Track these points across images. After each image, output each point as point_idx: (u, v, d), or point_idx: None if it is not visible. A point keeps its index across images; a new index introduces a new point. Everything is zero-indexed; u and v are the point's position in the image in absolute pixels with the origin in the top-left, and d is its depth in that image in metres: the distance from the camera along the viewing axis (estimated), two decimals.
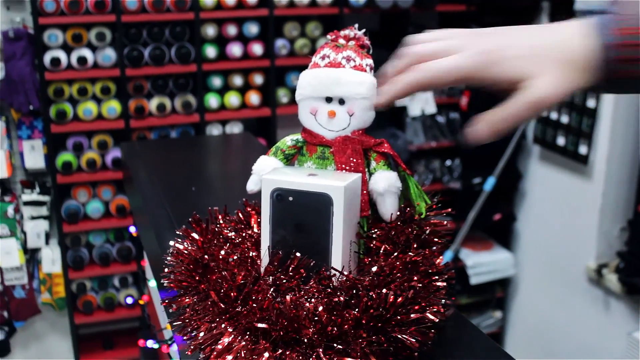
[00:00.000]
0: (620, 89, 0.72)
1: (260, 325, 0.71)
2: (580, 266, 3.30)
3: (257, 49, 3.46)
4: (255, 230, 0.89)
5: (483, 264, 3.82)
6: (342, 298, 0.72)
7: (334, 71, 0.85)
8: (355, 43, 0.88)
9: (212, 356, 0.71)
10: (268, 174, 0.81)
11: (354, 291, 0.73)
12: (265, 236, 0.80)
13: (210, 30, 3.41)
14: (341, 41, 0.88)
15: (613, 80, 0.69)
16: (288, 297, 0.73)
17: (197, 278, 0.80)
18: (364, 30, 0.90)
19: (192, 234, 0.88)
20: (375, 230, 0.84)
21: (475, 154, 3.62)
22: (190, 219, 0.90)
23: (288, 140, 0.89)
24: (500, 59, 0.71)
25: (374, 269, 0.77)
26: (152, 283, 1.51)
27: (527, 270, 3.83)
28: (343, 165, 0.84)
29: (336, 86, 0.84)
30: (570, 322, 3.43)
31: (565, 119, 3.28)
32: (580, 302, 3.35)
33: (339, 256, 0.77)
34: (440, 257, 0.87)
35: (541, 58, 0.69)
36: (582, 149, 3.19)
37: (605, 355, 3.15)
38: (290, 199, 0.78)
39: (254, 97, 3.53)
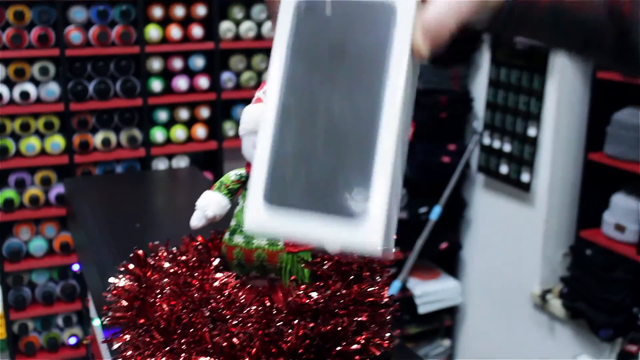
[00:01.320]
0: (513, 28, 0.60)
1: (197, 357, 0.71)
2: (525, 292, 3.35)
3: (203, 82, 3.47)
4: (192, 258, 0.89)
5: (430, 292, 3.84)
6: (280, 326, 0.73)
7: None
8: None
9: None
10: None
11: (295, 319, 0.74)
12: (273, 84, 0.48)
13: (155, 64, 3.41)
14: None
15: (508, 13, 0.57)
16: (224, 326, 0.73)
17: (134, 313, 0.79)
18: None
19: (131, 270, 0.87)
20: (325, 259, 0.85)
21: (421, 184, 3.67)
22: (131, 255, 0.90)
23: (232, 175, 0.90)
24: None
25: (315, 294, 0.78)
26: (96, 322, 1.49)
27: (474, 298, 3.87)
28: None
29: None
30: (517, 348, 3.47)
31: (507, 148, 3.35)
32: (526, 327, 3.40)
33: (393, 129, 0.46)
34: (386, 288, 0.88)
35: None
36: (525, 177, 3.26)
37: None
38: (328, 12, 0.49)
39: (200, 131, 3.53)
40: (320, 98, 0.47)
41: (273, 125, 0.47)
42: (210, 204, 0.88)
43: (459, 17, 0.50)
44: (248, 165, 0.88)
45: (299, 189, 0.45)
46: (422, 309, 3.84)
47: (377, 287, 0.84)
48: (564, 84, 3.01)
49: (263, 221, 0.45)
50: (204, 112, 3.54)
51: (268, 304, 0.79)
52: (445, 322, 4.01)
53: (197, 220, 0.88)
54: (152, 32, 3.32)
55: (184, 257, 0.89)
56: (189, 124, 3.56)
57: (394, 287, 3.23)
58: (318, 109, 0.46)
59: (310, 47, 0.48)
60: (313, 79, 0.47)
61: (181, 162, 3.58)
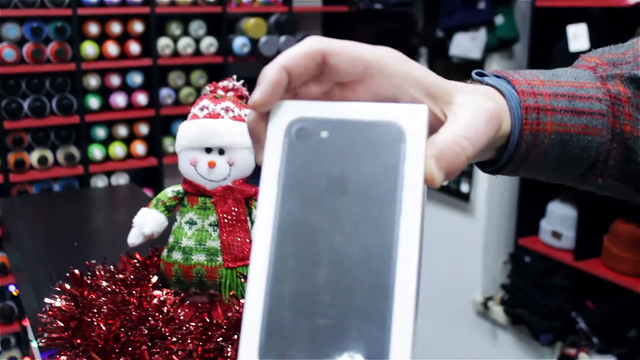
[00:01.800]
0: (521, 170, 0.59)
1: None
2: (468, 300, 3.40)
3: (141, 98, 3.43)
4: (130, 276, 0.88)
5: None
6: (220, 341, 0.73)
7: (213, 122, 0.86)
8: (233, 94, 0.90)
9: None
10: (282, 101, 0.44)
11: (235, 334, 0.74)
12: (263, 224, 0.41)
13: (92, 81, 3.36)
14: (220, 92, 0.90)
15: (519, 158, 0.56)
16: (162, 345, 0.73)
17: (71, 334, 0.78)
18: (242, 81, 0.92)
19: (68, 289, 0.86)
20: None
21: None
22: (67, 274, 0.88)
23: (169, 192, 0.90)
24: None
25: None
26: (34, 344, 1.46)
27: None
28: (225, 215, 0.85)
29: (215, 137, 0.85)
30: (461, 354, 3.51)
31: None
32: (470, 335, 3.45)
33: (413, 262, 0.40)
34: None
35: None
36: (464, 187, 3.32)
37: None
38: (324, 134, 0.42)
39: (139, 147, 3.49)
40: (320, 236, 0.40)
41: (266, 266, 0.39)
42: (147, 221, 0.87)
43: (476, 145, 0.46)
44: (185, 182, 0.88)
45: (301, 341, 0.38)
46: None
47: None
48: None
49: None
50: (143, 129, 3.51)
51: (208, 320, 0.78)
52: None
53: (134, 238, 0.87)
54: (88, 48, 3.28)
55: (121, 275, 0.88)
56: (128, 140, 3.51)
57: None
58: (319, 249, 0.40)
59: (305, 179, 0.41)
60: (311, 215, 0.40)
61: (120, 179, 3.53)
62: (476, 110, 0.47)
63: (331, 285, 0.39)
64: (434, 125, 0.46)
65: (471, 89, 0.50)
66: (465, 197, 3.32)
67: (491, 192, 3.22)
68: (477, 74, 0.57)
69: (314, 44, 0.45)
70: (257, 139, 0.46)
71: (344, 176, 0.41)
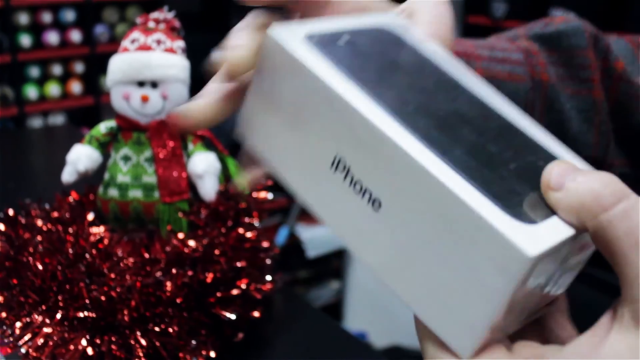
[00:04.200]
0: None
1: (75, 313, 0.71)
2: None
3: (75, 36, 3.33)
4: (66, 214, 0.87)
5: (319, 237, 3.91)
6: (159, 276, 0.73)
7: (144, 54, 0.84)
8: (165, 25, 0.88)
9: (31, 350, 0.70)
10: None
11: (174, 269, 0.75)
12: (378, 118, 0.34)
13: (23, 18, 3.24)
14: (151, 24, 0.88)
15: None
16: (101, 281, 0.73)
17: (5, 273, 0.77)
18: (173, 12, 0.90)
19: (2, 230, 0.85)
20: (201, 207, 0.85)
21: None
22: (1, 215, 0.87)
23: (102, 128, 0.88)
24: None
25: (193, 243, 0.78)
26: None
27: None
28: (160, 150, 0.84)
29: (147, 69, 0.83)
30: None
31: None
32: None
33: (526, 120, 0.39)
34: (267, 233, 0.90)
35: None
36: None
37: None
38: (347, 38, 0.38)
39: (75, 86, 3.40)
40: (444, 110, 0.36)
41: (423, 147, 0.33)
42: (80, 158, 0.86)
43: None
44: (118, 117, 0.86)
45: (517, 182, 0.34)
46: (311, 253, 3.91)
47: (256, 233, 0.85)
48: None
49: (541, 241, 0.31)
50: (79, 67, 3.41)
51: (146, 255, 0.78)
52: (334, 264, 4.10)
53: (68, 175, 0.86)
54: None
55: (57, 214, 0.87)
56: (63, 79, 3.42)
57: (282, 234, 3.27)
58: (455, 120, 0.36)
59: (375, 72, 0.37)
60: (417, 95, 0.37)
61: (58, 120, 3.46)
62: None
63: (498, 144, 0.35)
64: None
65: None
66: None
67: None
68: None
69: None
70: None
71: (407, 63, 0.39)
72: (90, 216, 0.87)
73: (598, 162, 0.60)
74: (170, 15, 0.89)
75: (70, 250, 0.78)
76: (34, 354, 0.70)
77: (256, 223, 0.87)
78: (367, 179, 0.34)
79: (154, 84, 0.84)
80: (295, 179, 0.38)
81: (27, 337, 0.71)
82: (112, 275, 0.75)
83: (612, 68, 0.61)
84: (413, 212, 0.33)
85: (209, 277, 0.75)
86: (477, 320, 0.32)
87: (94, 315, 0.71)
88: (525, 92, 0.58)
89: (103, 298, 0.72)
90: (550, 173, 0.33)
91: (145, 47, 0.84)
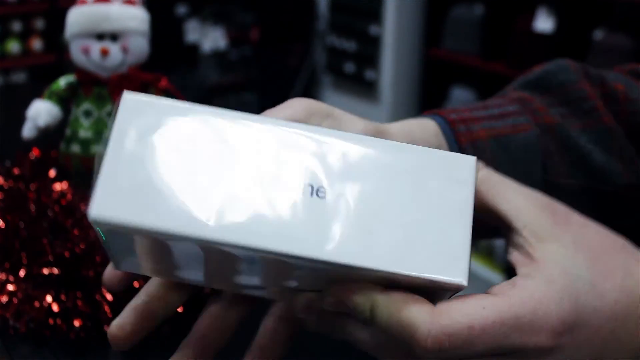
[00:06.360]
0: None
1: (40, 270, 0.70)
2: None
3: None
4: (28, 171, 0.86)
5: None
6: None
7: (103, 6, 0.82)
8: None
9: None
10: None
11: None
12: None
13: None
14: None
15: None
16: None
17: None
18: None
19: None
20: None
21: (267, 87, 3.69)
22: None
23: (62, 83, 0.86)
24: None
25: None
26: None
27: None
28: None
29: (106, 22, 0.82)
30: None
31: (352, 47, 3.41)
32: None
33: None
34: None
35: None
36: (370, 75, 3.35)
37: None
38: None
39: (37, 43, 3.34)
40: None
41: None
42: (40, 113, 0.84)
43: None
44: (78, 71, 0.85)
45: None
46: None
47: None
48: None
49: None
50: (39, 24, 3.35)
51: None
52: None
53: (28, 131, 0.84)
54: None
55: (18, 171, 0.86)
56: (24, 36, 3.36)
57: None
58: None
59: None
60: None
61: (20, 77, 3.40)
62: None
63: None
64: None
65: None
66: (371, 85, 3.36)
67: (396, 79, 3.27)
68: None
69: None
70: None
71: None
72: (53, 172, 0.86)
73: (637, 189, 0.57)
74: None
75: (33, 207, 0.78)
76: None
77: None
78: None
79: (114, 37, 0.82)
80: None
81: None
82: (76, 232, 0.75)
83: (613, 92, 0.59)
84: None
85: None
86: (459, 239, 0.35)
87: (58, 271, 0.70)
88: (536, 139, 0.56)
89: (67, 254, 0.71)
90: None
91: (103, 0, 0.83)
